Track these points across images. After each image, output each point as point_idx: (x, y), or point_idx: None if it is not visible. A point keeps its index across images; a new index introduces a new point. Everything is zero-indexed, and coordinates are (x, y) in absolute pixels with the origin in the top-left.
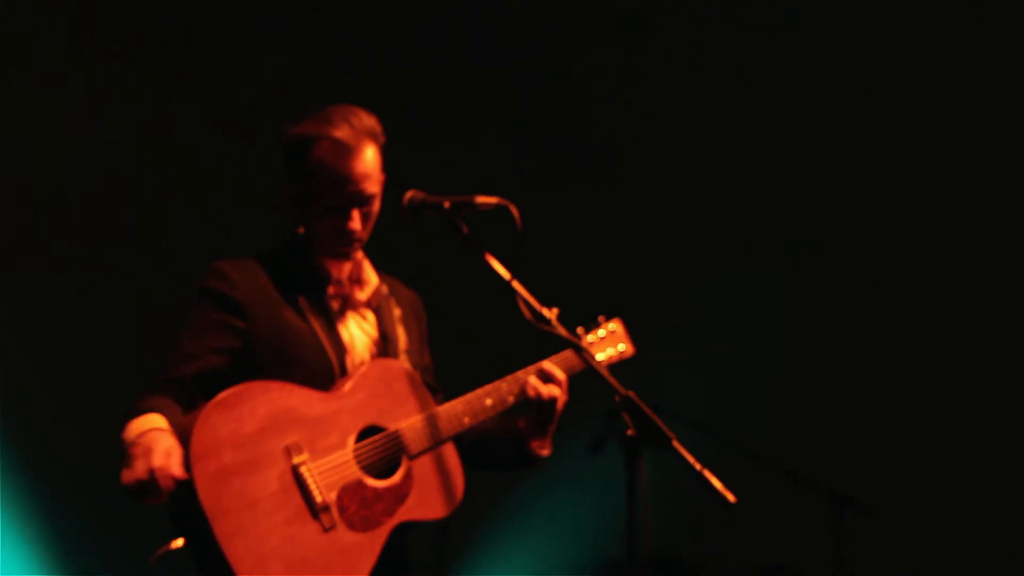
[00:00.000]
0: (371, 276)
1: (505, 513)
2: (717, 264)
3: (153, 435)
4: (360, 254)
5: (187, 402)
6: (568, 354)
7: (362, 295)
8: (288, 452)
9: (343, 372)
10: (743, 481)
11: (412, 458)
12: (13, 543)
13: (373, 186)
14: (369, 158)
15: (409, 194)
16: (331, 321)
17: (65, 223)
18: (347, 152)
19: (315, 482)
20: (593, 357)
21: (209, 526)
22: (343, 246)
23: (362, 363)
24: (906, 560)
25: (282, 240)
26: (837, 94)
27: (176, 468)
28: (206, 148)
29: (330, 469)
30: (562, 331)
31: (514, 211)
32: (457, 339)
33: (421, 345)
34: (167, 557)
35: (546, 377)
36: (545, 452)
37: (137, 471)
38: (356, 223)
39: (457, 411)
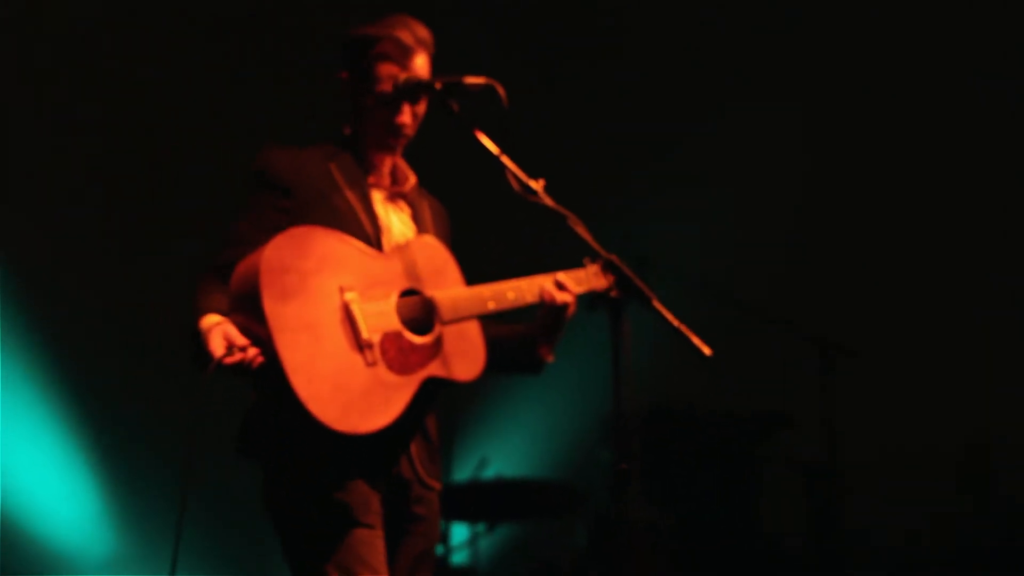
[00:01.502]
0: (411, 177)
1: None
2: (712, 120)
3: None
4: (403, 161)
5: None
6: (581, 273)
7: (401, 189)
8: (341, 290)
9: (379, 249)
10: (735, 332)
11: (444, 324)
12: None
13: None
14: (421, 64)
15: (403, 76)
16: (369, 204)
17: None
18: (406, 51)
19: (363, 320)
20: (581, 225)
21: (271, 336)
22: (392, 138)
23: (403, 240)
24: (891, 403)
25: (330, 137)
26: None
27: (236, 335)
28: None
29: (376, 314)
30: (549, 201)
31: (500, 90)
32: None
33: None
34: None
35: (560, 286)
36: (550, 358)
37: (214, 347)
38: (406, 116)
39: (484, 295)
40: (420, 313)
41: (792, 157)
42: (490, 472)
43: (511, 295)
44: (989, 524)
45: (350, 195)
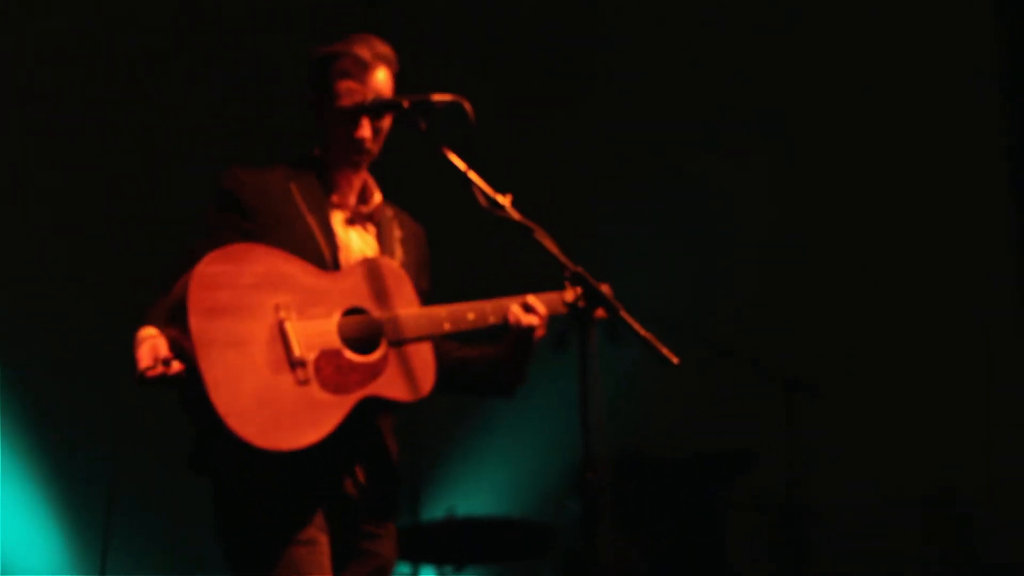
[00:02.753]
0: (376, 195)
1: (473, 422)
2: (678, 162)
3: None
4: (368, 177)
5: None
6: (552, 296)
7: (365, 208)
8: (277, 308)
9: (336, 268)
10: (701, 371)
11: (391, 344)
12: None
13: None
14: (383, 78)
15: (365, 94)
16: (328, 225)
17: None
18: (364, 67)
19: (296, 339)
20: (548, 238)
21: (194, 353)
22: (354, 154)
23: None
24: (854, 438)
25: (295, 154)
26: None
27: (163, 348)
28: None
29: (313, 333)
30: (516, 216)
31: (467, 107)
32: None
33: (419, 270)
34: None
35: (528, 308)
36: (521, 381)
37: (140, 359)
38: (366, 131)
39: (439, 316)
40: (366, 332)
41: (755, 196)
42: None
43: (471, 316)
44: (956, 565)
45: (309, 217)
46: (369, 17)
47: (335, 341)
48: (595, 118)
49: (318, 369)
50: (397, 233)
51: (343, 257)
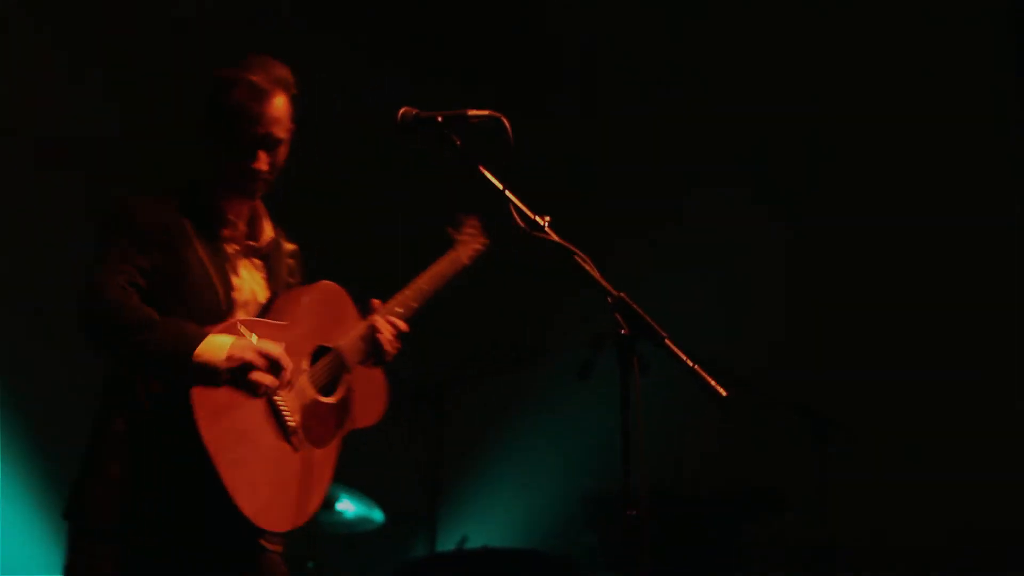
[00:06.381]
0: (267, 229)
1: (496, 446)
2: (696, 197)
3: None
4: (261, 207)
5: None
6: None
7: (256, 243)
8: None
9: (230, 307)
10: (729, 409)
11: (348, 372)
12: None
13: (281, 132)
14: (280, 104)
15: (402, 111)
16: (220, 259)
17: None
18: (261, 95)
19: (287, 407)
20: (588, 262)
21: (212, 461)
22: (250, 183)
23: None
24: (886, 481)
25: (188, 181)
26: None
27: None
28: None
29: (294, 395)
30: (555, 237)
31: (506, 122)
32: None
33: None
34: None
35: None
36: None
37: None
38: (262, 163)
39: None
40: (331, 370)
41: (776, 230)
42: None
43: (398, 309)
44: None
45: (202, 252)
46: None
47: (311, 393)
48: (609, 151)
49: (307, 429)
50: (283, 264)
51: (236, 298)
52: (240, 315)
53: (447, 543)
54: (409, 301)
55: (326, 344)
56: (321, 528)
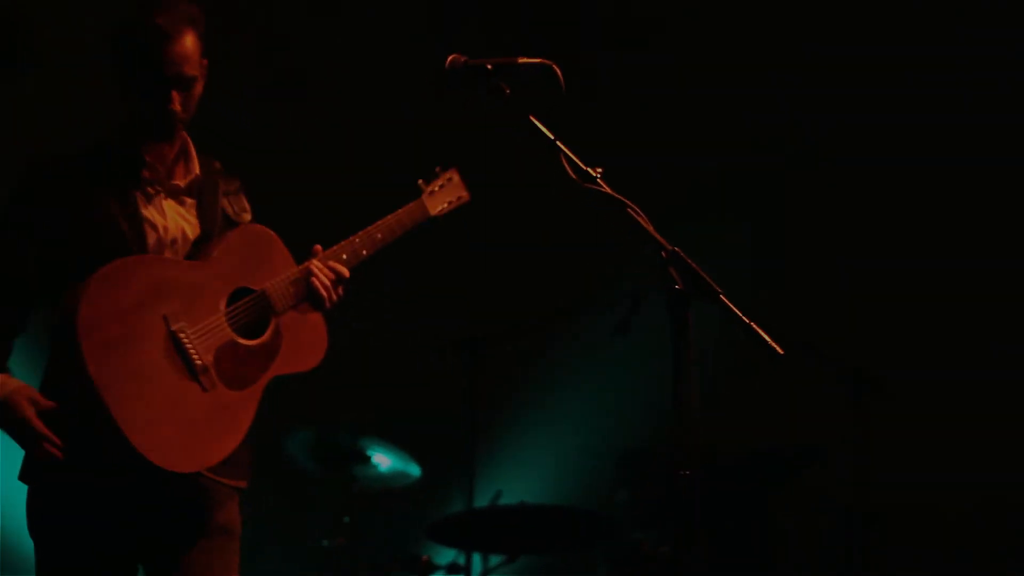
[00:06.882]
0: (194, 165)
1: (533, 400)
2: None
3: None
4: (190, 145)
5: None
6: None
7: (180, 181)
8: (167, 320)
9: (142, 248)
10: (768, 366)
11: (278, 315)
12: None
13: (191, 69)
14: (187, 43)
15: (450, 58)
16: (134, 203)
17: None
18: (164, 37)
19: (193, 346)
20: (641, 215)
21: (100, 397)
22: (167, 125)
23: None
24: (926, 438)
25: (111, 129)
26: None
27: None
28: None
29: (206, 333)
30: (607, 189)
31: (557, 71)
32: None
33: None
34: None
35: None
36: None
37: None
38: (176, 104)
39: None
40: (254, 311)
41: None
42: (510, 500)
43: (344, 256)
44: None
45: (110, 199)
46: None
47: (228, 333)
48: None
49: (220, 369)
50: (218, 202)
51: (154, 243)
52: (168, 254)
53: (484, 498)
54: (357, 248)
55: (251, 286)
56: (357, 483)
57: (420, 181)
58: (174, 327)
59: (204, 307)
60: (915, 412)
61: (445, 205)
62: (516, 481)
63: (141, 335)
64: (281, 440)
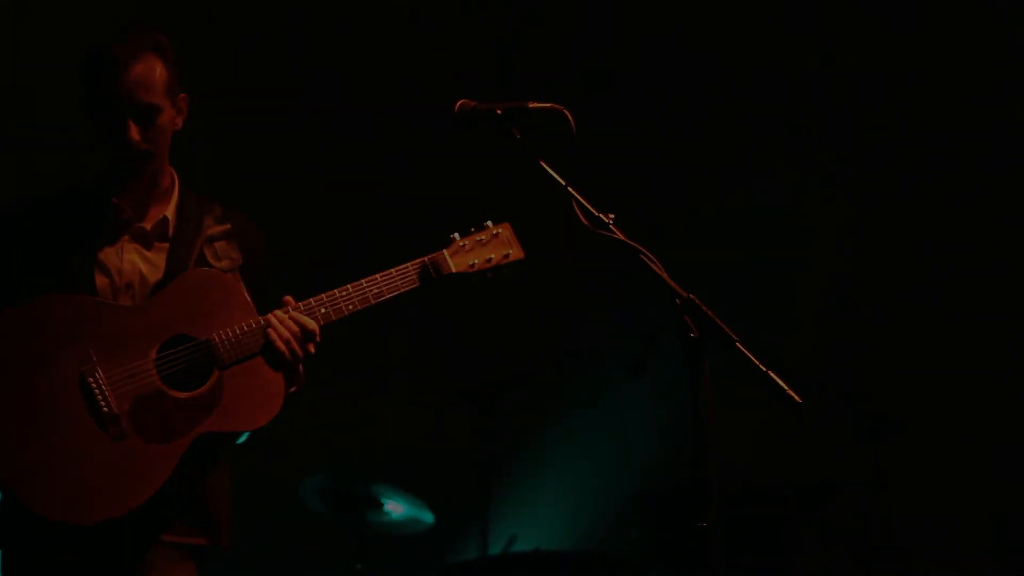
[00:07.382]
0: (167, 207)
1: (546, 445)
2: (740, 191)
3: None
4: (169, 182)
5: None
6: (405, 269)
7: (146, 224)
8: (79, 362)
9: (91, 292)
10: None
11: (224, 368)
12: None
13: (150, 96)
14: (143, 70)
15: (460, 103)
16: (90, 248)
17: None
18: (115, 64)
19: (103, 393)
20: (656, 263)
21: None
22: (128, 159)
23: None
24: (942, 476)
25: (86, 174)
26: None
27: None
28: None
29: (124, 379)
30: (620, 236)
31: (568, 115)
32: None
33: (250, 269)
34: None
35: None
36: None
37: None
38: (134, 133)
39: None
40: (190, 361)
41: (837, 224)
42: (524, 547)
43: (323, 310)
44: None
45: (69, 245)
46: None
47: (153, 382)
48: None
49: (135, 419)
50: (211, 233)
51: (104, 281)
52: (125, 299)
53: (497, 544)
54: (341, 304)
55: (192, 334)
56: (369, 529)
57: (455, 234)
58: (83, 369)
59: (128, 353)
60: (929, 451)
61: (479, 262)
62: (530, 526)
63: (49, 377)
64: (294, 486)
